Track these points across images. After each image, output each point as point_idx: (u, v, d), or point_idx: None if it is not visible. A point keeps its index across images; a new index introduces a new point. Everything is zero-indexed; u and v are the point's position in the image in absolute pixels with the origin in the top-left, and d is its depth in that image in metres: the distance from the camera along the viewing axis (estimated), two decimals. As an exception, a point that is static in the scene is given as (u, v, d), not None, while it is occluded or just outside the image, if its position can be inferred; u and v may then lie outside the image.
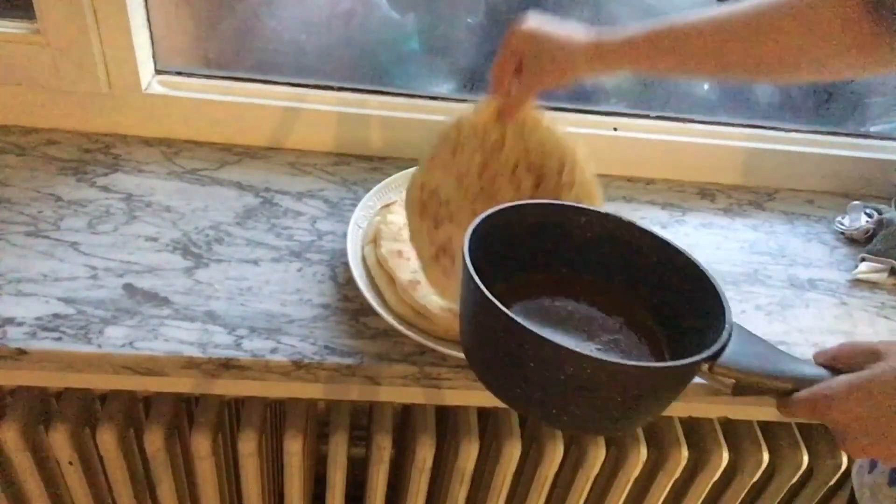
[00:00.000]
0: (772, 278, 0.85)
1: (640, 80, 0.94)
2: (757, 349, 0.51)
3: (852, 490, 0.67)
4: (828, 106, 0.98)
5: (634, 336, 0.57)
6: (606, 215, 0.58)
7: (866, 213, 0.93)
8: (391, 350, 0.69)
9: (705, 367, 0.49)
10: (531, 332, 0.45)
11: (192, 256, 0.75)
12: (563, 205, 0.59)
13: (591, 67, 0.64)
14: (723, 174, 0.98)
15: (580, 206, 0.58)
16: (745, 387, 0.50)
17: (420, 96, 0.92)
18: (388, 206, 0.79)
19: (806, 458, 0.84)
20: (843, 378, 0.48)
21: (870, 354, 0.49)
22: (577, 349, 0.45)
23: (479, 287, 0.48)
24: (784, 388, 0.50)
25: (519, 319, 0.46)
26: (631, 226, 0.58)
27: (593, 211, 0.59)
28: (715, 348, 0.49)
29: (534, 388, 0.49)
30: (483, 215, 0.54)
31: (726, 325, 0.50)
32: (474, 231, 0.52)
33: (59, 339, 0.65)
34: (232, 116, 0.89)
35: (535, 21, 0.65)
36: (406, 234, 0.72)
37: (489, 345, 0.51)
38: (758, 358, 0.50)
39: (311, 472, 0.94)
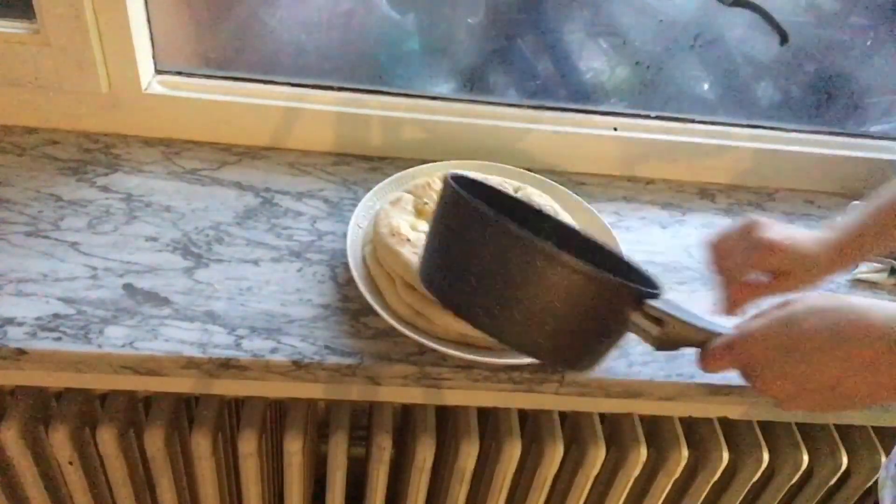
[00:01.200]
0: (772, 278, 0.85)
1: (640, 80, 0.94)
2: (683, 308, 0.53)
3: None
4: (828, 106, 0.98)
5: None
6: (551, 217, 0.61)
7: (866, 213, 0.93)
8: (391, 350, 0.69)
9: (637, 311, 0.51)
10: (496, 216, 0.49)
11: (192, 256, 0.75)
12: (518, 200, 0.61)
13: (834, 270, 0.63)
14: (723, 174, 0.98)
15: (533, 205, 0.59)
16: (669, 337, 0.51)
17: (420, 96, 0.92)
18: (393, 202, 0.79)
19: (806, 458, 0.84)
20: (758, 318, 0.52)
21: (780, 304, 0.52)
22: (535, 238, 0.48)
23: (456, 190, 0.52)
24: (706, 340, 0.53)
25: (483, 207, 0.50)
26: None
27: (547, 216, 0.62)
28: (650, 290, 0.52)
29: (483, 281, 0.51)
30: (458, 172, 0.57)
31: (658, 284, 0.53)
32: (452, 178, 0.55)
33: (59, 339, 0.65)
34: (232, 116, 0.89)
35: (778, 231, 0.63)
36: (404, 227, 0.72)
37: (455, 242, 0.54)
38: (684, 312, 0.53)
39: (311, 472, 0.94)
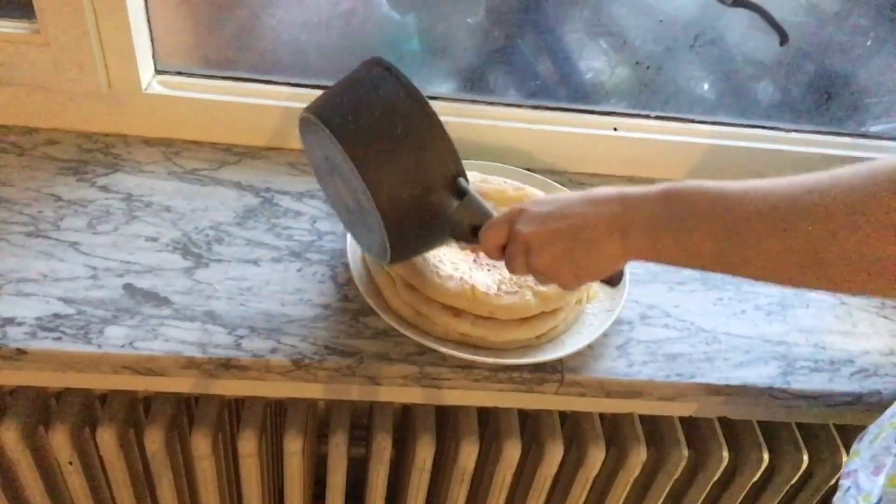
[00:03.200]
0: (772, 278, 0.85)
1: (640, 80, 0.94)
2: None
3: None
4: (828, 106, 0.98)
5: None
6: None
7: (866, 213, 0.93)
8: (391, 350, 0.69)
9: (449, 186, 0.60)
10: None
11: (192, 256, 0.75)
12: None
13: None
14: (722, 174, 0.98)
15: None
16: (465, 213, 0.61)
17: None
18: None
19: (806, 458, 0.84)
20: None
21: None
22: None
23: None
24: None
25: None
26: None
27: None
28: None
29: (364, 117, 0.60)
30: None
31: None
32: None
33: (59, 339, 0.65)
34: (232, 116, 0.89)
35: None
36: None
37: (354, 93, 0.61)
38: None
39: (311, 472, 0.94)
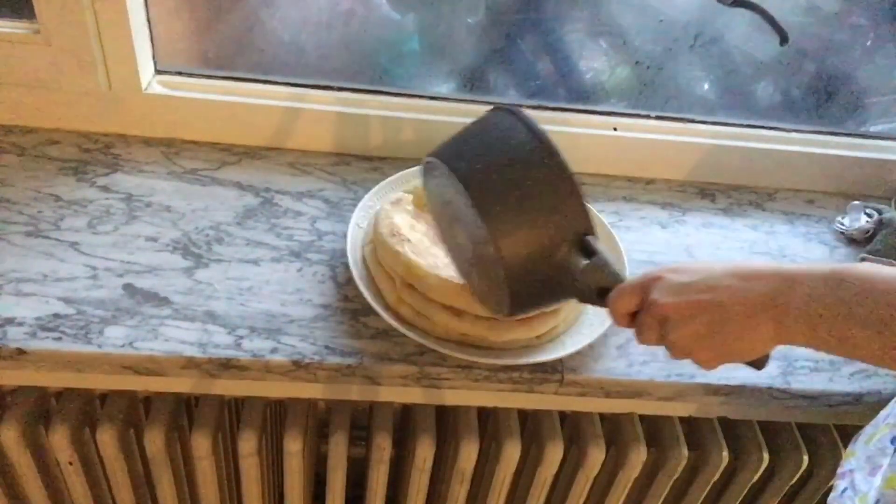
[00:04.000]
0: (772, 278, 0.85)
1: (640, 80, 0.94)
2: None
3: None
4: (828, 106, 0.98)
5: None
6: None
7: (866, 213, 0.93)
8: (391, 350, 0.69)
9: (575, 243, 0.56)
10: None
11: (192, 256, 0.75)
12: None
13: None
14: (723, 174, 0.98)
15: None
16: (591, 273, 0.56)
17: (420, 96, 0.92)
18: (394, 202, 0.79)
19: (806, 458, 0.84)
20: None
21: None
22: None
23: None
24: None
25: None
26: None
27: None
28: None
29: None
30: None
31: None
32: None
33: (59, 339, 0.65)
34: (232, 116, 0.89)
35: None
36: (404, 227, 0.72)
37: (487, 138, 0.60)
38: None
39: (311, 472, 0.94)
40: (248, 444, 0.78)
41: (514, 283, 0.57)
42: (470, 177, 0.56)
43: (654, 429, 0.86)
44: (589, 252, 0.56)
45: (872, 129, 1.00)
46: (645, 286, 0.55)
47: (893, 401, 0.69)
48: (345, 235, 0.76)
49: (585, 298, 0.58)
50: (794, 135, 0.98)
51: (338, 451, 0.81)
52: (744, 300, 0.51)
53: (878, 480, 0.62)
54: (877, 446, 0.65)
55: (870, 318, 0.46)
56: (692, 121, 0.97)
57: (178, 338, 0.67)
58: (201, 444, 0.78)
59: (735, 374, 0.73)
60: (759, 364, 0.56)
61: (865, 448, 0.67)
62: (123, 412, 0.77)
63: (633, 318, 0.56)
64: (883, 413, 0.69)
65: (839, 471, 0.68)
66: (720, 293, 0.51)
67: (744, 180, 0.99)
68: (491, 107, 0.61)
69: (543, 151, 0.56)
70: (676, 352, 0.54)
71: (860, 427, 0.71)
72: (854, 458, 0.68)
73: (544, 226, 0.56)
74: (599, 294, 0.56)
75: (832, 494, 0.66)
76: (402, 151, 0.93)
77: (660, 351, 0.74)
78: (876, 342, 0.46)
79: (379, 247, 0.72)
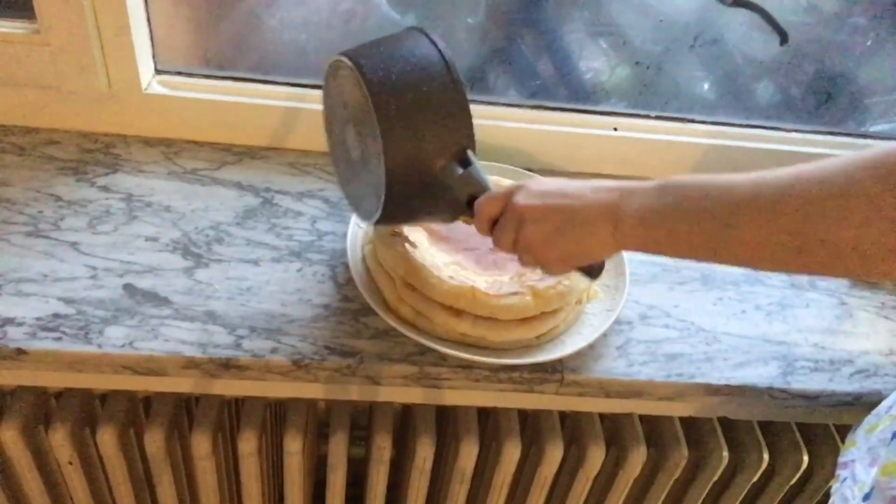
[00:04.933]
0: (772, 278, 0.85)
1: (640, 80, 0.94)
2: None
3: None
4: (828, 106, 0.98)
5: None
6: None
7: (866, 213, 0.93)
8: (391, 350, 0.69)
9: (455, 158, 0.61)
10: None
11: (192, 256, 0.75)
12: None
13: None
14: (723, 173, 0.98)
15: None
16: (466, 181, 0.61)
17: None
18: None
19: (806, 458, 0.84)
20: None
21: None
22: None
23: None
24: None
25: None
26: None
27: None
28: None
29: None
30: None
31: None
32: None
33: (59, 339, 0.65)
34: (232, 116, 0.89)
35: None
36: (404, 229, 0.72)
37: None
38: None
39: (311, 472, 0.94)
40: (248, 444, 0.78)
41: (393, 185, 0.59)
42: (373, 75, 0.59)
43: (654, 429, 0.86)
44: (465, 164, 0.61)
45: (872, 129, 1.00)
46: (509, 193, 0.60)
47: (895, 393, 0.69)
48: (345, 235, 0.76)
49: (456, 210, 0.63)
50: (794, 135, 0.98)
51: (338, 451, 0.81)
52: (589, 206, 0.56)
53: (875, 469, 0.62)
54: (879, 437, 0.65)
55: (687, 215, 0.53)
56: (692, 121, 0.97)
57: (178, 338, 0.67)
58: (201, 444, 0.78)
59: (735, 374, 0.73)
60: (593, 271, 0.62)
61: (867, 438, 0.67)
62: (123, 412, 0.77)
63: (494, 226, 0.60)
64: (885, 403, 0.69)
65: (841, 460, 0.69)
66: (571, 199, 0.57)
67: (744, 180, 0.99)
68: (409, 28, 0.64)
69: (444, 66, 0.60)
70: (526, 255, 0.60)
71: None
72: (855, 448, 0.68)
73: (432, 131, 0.60)
74: (469, 204, 0.61)
75: (834, 485, 0.67)
76: (402, 151, 0.92)
77: (660, 351, 0.74)
78: (696, 235, 0.52)
79: (379, 247, 0.72)
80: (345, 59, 0.61)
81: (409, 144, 0.59)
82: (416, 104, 0.59)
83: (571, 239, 0.57)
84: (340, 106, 0.66)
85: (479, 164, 0.61)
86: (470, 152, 0.61)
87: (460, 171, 0.61)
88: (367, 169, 0.63)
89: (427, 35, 0.62)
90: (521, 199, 0.58)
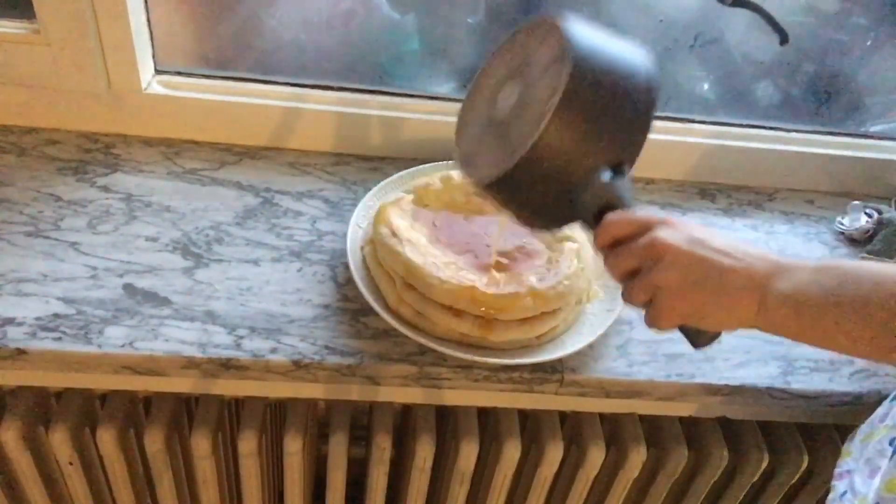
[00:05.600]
0: (772, 278, 0.85)
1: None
2: None
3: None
4: (828, 106, 0.98)
5: None
6: None
7: (866, 213, 0.93)
8: (391, 350, 0.69)
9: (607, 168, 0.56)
10: None
11: (192, 256, 0.75)
12: None
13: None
14: (723, 174, 0.98)
15: None
16: (610, 192, 0.55)
17: (420, 96, 0.92)
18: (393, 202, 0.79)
19: (806, 458, 0.84)
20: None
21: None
22: None
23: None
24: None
25: None
26: None
27: None
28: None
29: None
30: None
31: None
32: None
33: (59, 339, 0.65)
34: (232, 116, 0.89)
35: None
36: (404, 228, 0.72)
37: None
38: None
39: (311, 472, 0.94)
40: (248, 444, 0.78)
41: (526, 163, 0.55)
42: (582, 53, 0.55)
43: (654, 429, 0.86)
44: (616, 176, 0.56)
45: (872, 129, 1.00)
46: (649, 222, 0.55)
47: (888, 401, 0.69)
48: (345, 235, 0.76)
49: (577, 213, 0.57)
50: (794, 135, 0.98)
51: (338, 451, 0.81)
52: (739, 271, 0.52)
53: (877, 482, 0.61)
54: (876, 448, 0.65)
55: (853, 306, 0.49)
56: (692, 121, 0.97)
57: (178, 338, 0.67)
58: (201, 444, 0.78)
59: (735, 374, 0.73)
60: (701, 339, 0.57)
61: (863, 449, 0.66)
62: (123, 412, 0.77)
63: (611, 250, 0.56)
64: (879, 412, 0.68)
65: (837, 471, 0.68)
66: (722, 257, 0.53)
67: (744, 180, 0.99)
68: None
69: (649, 81, 0.58)
70: (643, 293, 0.54)
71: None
72: (851, 459, 0.68)
73: (607, 128, 0.56)
74: (598, 215, 0.56)
75: (830, 496, 0.66)
76: (402, 151, 0.93)
77: (660, 351, 0.74)
78: (860, 332, 0.49)
79: (379, 247, 0.72)
80: (559, 24, 0.56)
81: (575, 129, 0.54)
82: (608, 95, 0.55)
83: (709, 299, 0.53)
84: (519, 61, 0.60)
85: (631, 182, 0.56)
86: (626, 166, 0.56)
87: (608, 177, 0.55)
88: (508, 133, 0.57)
89: (642, 48, 0.60)
90: (666, 236, 0.53)
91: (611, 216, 0.55)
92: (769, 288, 0.52)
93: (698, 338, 0.57)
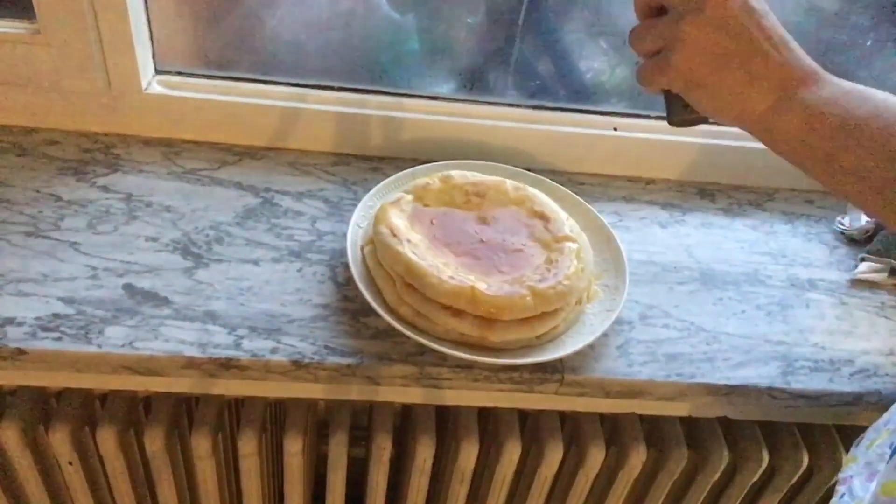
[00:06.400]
0: (772, 278, 0.85)
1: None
2: None
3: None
4: (828, 106, 0.97)
5: None
6: None
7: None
8: (391, 350, 0.69)
9: None
10: None
11: (192, 256, 0.75)
12: None
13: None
14: (723, 174, 0.98)
15: None
16: None
17: (420, 96, 0.92)
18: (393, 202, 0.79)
19: (806, 458, 0.84)
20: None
21: None
22: None
23: None
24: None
25: None
26: None
27: None
28: None
29: None
30: None
31: None
32: None
33: (59, 339, 0.65)
34: (232, 116, 0.89)
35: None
36: (404, 227, 0.72)
37: None
38: None
39: (311, 472, 0.94)
40: (248, 444, 0.78)
41: None
42: None
43: (654, 429, 0.86)
44: None
45: (872, 129, 1.00)
46: (674, 28, 0.50)
47: (895, 406, 0.69)
48: (345, 235, 0.76)
49: None
50: (794, 135, 0.98)
51: (338, 451, 0.81)
52: (772, 62, 0.50)
53: (874, 485, 0.61)
54: (876, 452, 0.65)
55: (867, 137, 0.48)
56: (692, 121, 0.96)
57: (178, 338, 0.67)
58: (201, 444, 0.78)
59: (735, 374, 0.73)
60: (686, 120, 0.54)
61: (866, 453, 0.66)
62: (123, 412, 0.77)
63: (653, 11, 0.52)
64: (884, 417, 0.68)
65: (840, 476, 0.68)
66: (762, 40, 0.50)
67: (743, 180, 0.99)
68: None
69: None
70: (662, 36, 0.50)
71: (860, 427, 0.71)
72: (855, 464, 0.68)
73: None
74: None
75: (833, 500, 0.66)
76: (402, 151, 0.93)
77: (660, 351, 0.74)
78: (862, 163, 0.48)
79: (379, 247, 0.72)
80: None
81: None
82: None
83: (724, 74, 0.50)
84: None
85: None
86: None
87: None
88: None
89: None
90: (686, 51, 0.50)
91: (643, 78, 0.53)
92: (794, 92, 0.49)
93: (680, 114, 0.53)
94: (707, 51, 0.49)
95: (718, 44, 0.49)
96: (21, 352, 0.64)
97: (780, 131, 0.51)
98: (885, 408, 0.70)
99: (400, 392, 0.81)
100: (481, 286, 0.68)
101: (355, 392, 0.80)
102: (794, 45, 0.51)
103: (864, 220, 0.92)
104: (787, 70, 0.50)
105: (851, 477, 0.66)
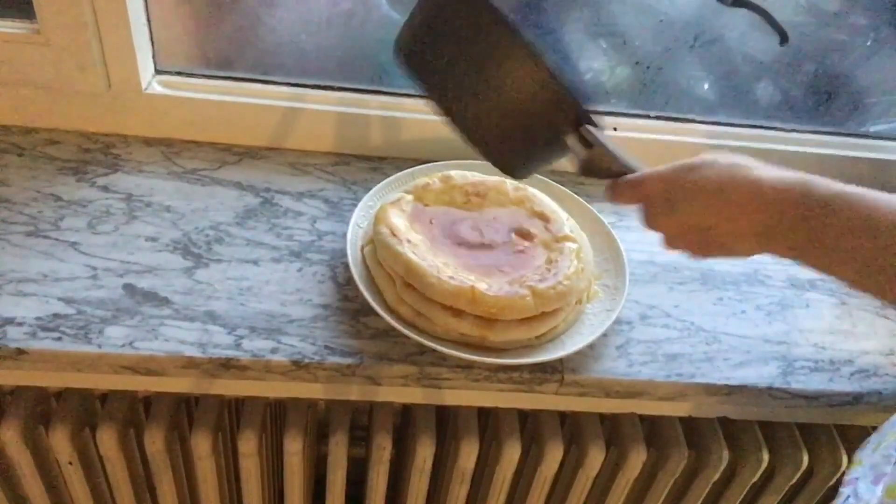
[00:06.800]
0: (772, 278, 0.85)
1: (640, 80, 0.94)
2: (612, 143, 0.60)
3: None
4: (828, 106, 0.98)
5: None
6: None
7: (866, 213, 0.93)
8: (391, 350, 0.69)
9: (573, 131, 0.58)
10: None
11: (192, 256, 0.75)
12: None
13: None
14: (723, 174, 0.98)
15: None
16: (593, 163, 0.59)
17: (420, 96, 0.92)
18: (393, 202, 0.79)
19: (806, 458, 0.84)
20: (669, 164, 0.59)
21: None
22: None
23: None
24: (622, 173, 0.60)
25: None
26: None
27: None
28: (586, 108, 0.57)
29: (453, 60, 0.57)
30: None
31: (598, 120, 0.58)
32: None
33: (59, 339, 0.65)
34: (232, 116, 0.89)
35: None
36: (404, 227, 0.72)
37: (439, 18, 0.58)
38: (612, 145, 0.60)
39: (311, 472, 0.94)
40: (248, 444, 0.78)
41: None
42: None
43: (654, 429, 0.86)
44: (587, 142, 0.58)
45: (872, 129, 1.00)
46: (643, 193, 0.58)
47: None
48: (345, 235, 0.76)
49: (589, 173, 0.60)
50: (794, 135, 0.98)
51: (338, 451, 0.81)
52: (743, 232, 0.55)
53: (880, 489, 0.61)
54: (882, 454, 0.65)
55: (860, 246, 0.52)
56: (692, 121, 0.97)
57: (178, 338, 0.67)
58: (201, 444, 0.78)
59: (735, 374, 0.73)
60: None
61: (871, 456, 0.66)
62: (123, 412, 0.77)
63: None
64: (891, 420, 0.68)
65: (845, 478, 0.68)
66: (704, 219, 0.56)
67: (744, 180, 0.99)
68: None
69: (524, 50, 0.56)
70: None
71: (860, 427, 0.71)
72: (860, 467, 0.68)
73: (528, 135, 0.57)
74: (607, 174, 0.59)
75: (836, 501, 0.66)
76: (402, 151, 0.93)
77: (660, 351, 0.74)
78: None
79: (379, 247, 0.72)
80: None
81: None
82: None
83: (712, 249, 0.57)
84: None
85: (606, 142, 0.59)
86: (587, 126, 0.58)
87: (583, 153, 0.59)
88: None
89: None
90: (654, 212, 0.58)
91: (607, 194, 0.59)
92: (775, 238, 0.54)
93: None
94: (683, 239, 0.58)
95: (687, 240, 0.58)
96: (21, 352, 0.64)
97: (790, 254, 0.55)
98: (885, 408, 0.70)
99: (400, 392, 0.81)
100: (481, 286, 0.68)
101: (355, 392, 0.80)
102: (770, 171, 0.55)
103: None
104: (750, 232, 0.55)
105: (856, 479, 0.66)
